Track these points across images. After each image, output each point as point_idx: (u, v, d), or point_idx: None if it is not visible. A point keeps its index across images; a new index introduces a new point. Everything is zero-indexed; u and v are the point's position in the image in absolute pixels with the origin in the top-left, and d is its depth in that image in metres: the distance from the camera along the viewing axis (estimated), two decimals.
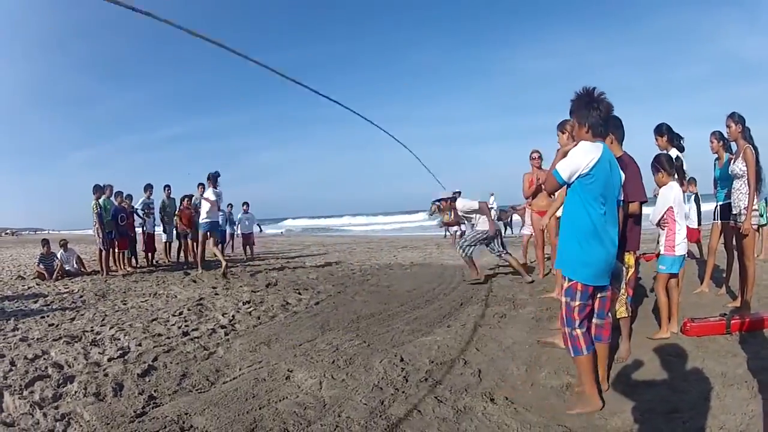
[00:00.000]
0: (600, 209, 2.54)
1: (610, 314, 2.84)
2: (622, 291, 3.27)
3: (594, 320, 2.76)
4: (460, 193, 15.17)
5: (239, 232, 12.85)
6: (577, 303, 2.60)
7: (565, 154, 2.71)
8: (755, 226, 4.26)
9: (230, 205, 12.61)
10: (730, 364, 3.05)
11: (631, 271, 3.31)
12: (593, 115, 2.57)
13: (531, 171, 5.88)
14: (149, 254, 10.43)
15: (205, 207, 8.66)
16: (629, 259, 3.27)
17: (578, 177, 2.53)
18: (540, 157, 5.90)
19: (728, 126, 4.34)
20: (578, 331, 2.61)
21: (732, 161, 4.45)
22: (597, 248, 2.55)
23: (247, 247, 12.31)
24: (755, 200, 4.19)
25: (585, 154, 2.51)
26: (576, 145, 2.64)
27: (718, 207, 5.02)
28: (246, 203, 12.87)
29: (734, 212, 4.42)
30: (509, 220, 18.29)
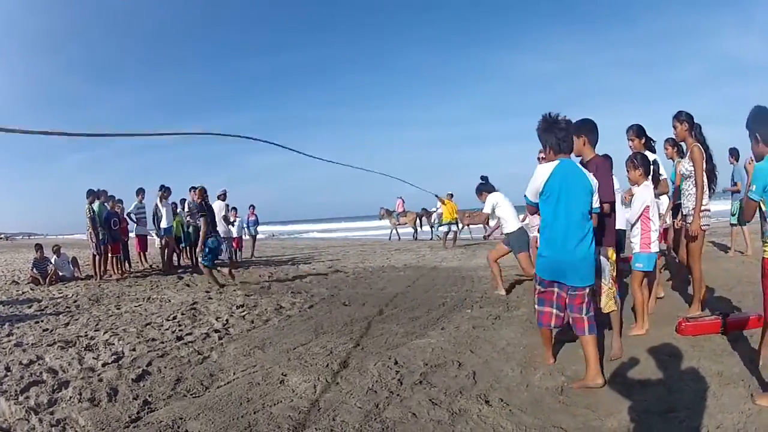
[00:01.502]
0: (556, 219, 2.95)
1: (582, 312, 2.98)
2: (610, 285, 3.36)
3: (570, 313, 3.07)
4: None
5: (246, 236, 13.38)
6: (536, 287, 3.19)
7: None
8: (704, 226, 4.08)
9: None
10: (727, 363, 3.06)
11: (611, 266, 3.39)
12: (551, 138, 3.02)
13: None
14: (143, 254, 10.55)
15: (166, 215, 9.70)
16: (611, 254, 3.37)
17: (540, 195, 3.02)
18: None
19: (674, 127, 4.15)
20: (537, 308, 3.18)
21: (681, 162, 4.41)
22: (546, 250, 3.03)
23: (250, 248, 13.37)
24: (706, 200, 4.04)
25: (537, 177, 3.00)
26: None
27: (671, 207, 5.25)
28: (252, 206, 13.83)
29: (684, 213, 4.29)
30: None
